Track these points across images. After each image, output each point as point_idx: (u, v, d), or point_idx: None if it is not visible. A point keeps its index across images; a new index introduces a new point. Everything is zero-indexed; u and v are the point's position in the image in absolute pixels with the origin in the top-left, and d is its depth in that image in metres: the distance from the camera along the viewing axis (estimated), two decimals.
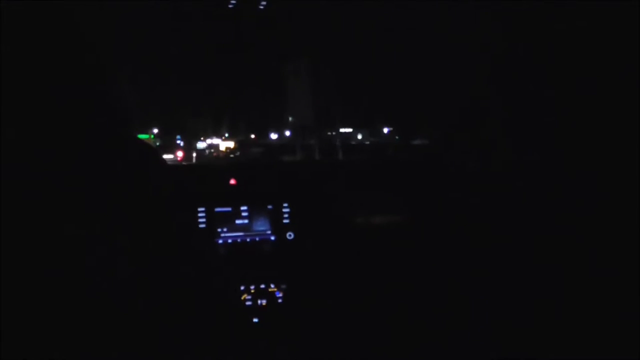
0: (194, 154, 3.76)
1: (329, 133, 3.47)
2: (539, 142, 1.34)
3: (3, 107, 0.69)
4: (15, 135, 0.70)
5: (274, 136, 3.84)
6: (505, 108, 1.46)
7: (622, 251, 1.09)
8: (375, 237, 1.68)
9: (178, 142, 3.76)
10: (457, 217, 1.59)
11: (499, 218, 1.44)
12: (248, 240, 1.62)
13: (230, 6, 2.16)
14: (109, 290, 0.73)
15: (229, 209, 1.62)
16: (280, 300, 1.58)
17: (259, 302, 1.57)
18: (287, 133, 3.59)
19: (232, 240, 1.61)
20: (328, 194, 1.69)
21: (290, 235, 1.63)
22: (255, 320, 1.56)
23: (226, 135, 3.89)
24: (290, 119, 3.16)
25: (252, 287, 1.57)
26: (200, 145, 3.82)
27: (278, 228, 1.64)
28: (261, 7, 2.15)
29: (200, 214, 1.59)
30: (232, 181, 1.68)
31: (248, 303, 1.56)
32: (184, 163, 3.45)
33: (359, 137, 3.90)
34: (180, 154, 3.64)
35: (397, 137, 3.66)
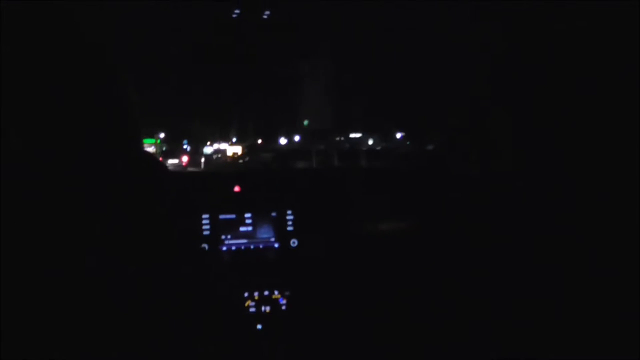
0: (202, 159, 3.78)
1: (337, 138, 3.46)
2: (539, 142, 1.33)
3: (3, 108, 0.70)
4: (18, 139, 0.70)
5: (283, 141, 3.84)
6: (505, 108, 1.46)
7: (622, 253, 1.08)
8: (380, 244, 1.68)
9: (185, 146, 3.80)
10: (460, 221, 1.59)
11: (501, 220, 1.44)
12: (252, 247, 1.62)
13: (234, 16, 2.19)
14: (111, 296, 0.74)
15: (233, 216, 1.63)
16: (284, 307, 1.58)
17: (263, 309, 1.57)
18: (297, 138, 3.59)
19: (236, 248, 1.61)
20: (332, 201, 1.69)
21: (294, 243, 1.64)
22: (259, 327, 1.56)
23: (233, 140, 3.91)
24: (305, 122, 3.17)
25: (256, 293, 1.57)
26: (207, 150, 3.85)
27: (282, 235, 1.64)
28: (265, 17, 2.18)
29: (204, 221, 1.59)
30: (237, 188, 1.69)
31: (252, 310, 1.56)
32: (189, 169, 3.47)
33: (370, 142, 3.88)
34: (185, 159, 3.67)
35: (407, 143, 3.67)
